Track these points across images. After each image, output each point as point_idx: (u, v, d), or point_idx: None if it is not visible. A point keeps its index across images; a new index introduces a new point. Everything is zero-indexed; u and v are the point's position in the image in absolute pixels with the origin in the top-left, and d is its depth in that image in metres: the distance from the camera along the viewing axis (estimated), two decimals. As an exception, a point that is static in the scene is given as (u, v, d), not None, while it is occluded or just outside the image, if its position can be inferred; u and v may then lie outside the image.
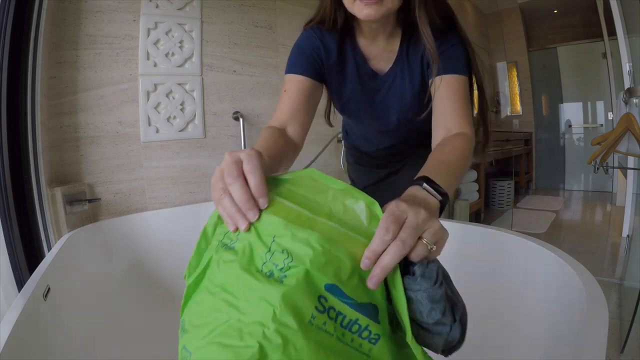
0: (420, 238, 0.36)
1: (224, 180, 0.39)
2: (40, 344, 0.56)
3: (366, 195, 0.40)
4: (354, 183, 1.08)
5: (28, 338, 0.52)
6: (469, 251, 0.97)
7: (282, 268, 0.34)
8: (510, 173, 3.72)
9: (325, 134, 1.87)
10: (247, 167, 0.39)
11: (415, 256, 0.36)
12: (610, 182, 3.70)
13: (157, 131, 1.45)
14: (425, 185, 0.44)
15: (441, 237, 0.37)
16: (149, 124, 1.43)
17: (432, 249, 0.36)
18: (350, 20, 0.71)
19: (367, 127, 0.89)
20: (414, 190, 0.44)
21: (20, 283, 1.01)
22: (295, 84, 0.69)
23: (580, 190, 4.15)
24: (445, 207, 0.45)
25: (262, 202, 0.38)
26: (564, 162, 4.21)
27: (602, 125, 3.88)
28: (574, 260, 0.63)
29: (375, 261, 0.35)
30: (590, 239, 2.54)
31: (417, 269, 0.36)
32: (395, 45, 0.72)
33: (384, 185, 1.02)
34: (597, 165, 1.57)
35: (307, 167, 1.76)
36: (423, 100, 0.71)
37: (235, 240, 0.39)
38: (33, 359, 0.52)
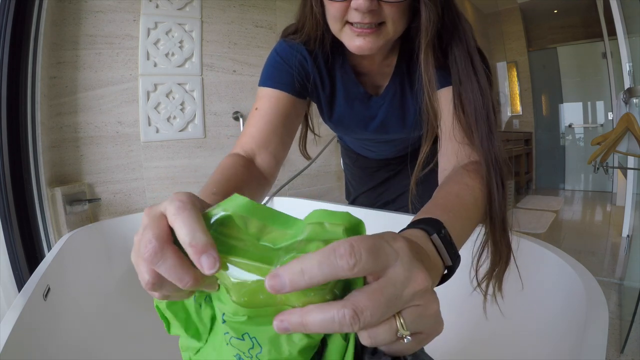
0: (397, 315, 0.22)
1: (141, 259, 0.24)
2: (40, 344, 0.56)
3: (346, 215, 0.24)
4: (351, 186, 1.08)
5: (28, 338, 0.52)
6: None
7: None
8: (510, 173, 3.72)
9: (326, 134, 1.87)
10: (171, 218, 0.24)
11: (370, 341, 0.22)
12: (610, 182, 3.71)
13: (157, 131, 1.45)
14: (435, 237, 0.30)
15: (430, 328, 0.23)
16: (149, 124, 1.43)
17: (404, 338, 0.22)
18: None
19: (363, 141, 0.86)
20: (417, 236, 0.29)
21: (20, 283, 1.01)
22: (272, 101, 0.57)
23: (580, 190, 4.16)
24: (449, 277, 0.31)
25: (206, 265, 0.23)
26: (564, 162, 4.22)
27: (602, 125, 3.89)
28: (574, 260, 0.62)
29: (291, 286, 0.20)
30: (590, 239, 2.54)
31: None
32: (394, 58, 0.60)
33: (381, 189, 0.99)
34: (597, 165, 1.57)
35: (306, 167, 1.76)
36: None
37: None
38: (33, 359, 0.52)
